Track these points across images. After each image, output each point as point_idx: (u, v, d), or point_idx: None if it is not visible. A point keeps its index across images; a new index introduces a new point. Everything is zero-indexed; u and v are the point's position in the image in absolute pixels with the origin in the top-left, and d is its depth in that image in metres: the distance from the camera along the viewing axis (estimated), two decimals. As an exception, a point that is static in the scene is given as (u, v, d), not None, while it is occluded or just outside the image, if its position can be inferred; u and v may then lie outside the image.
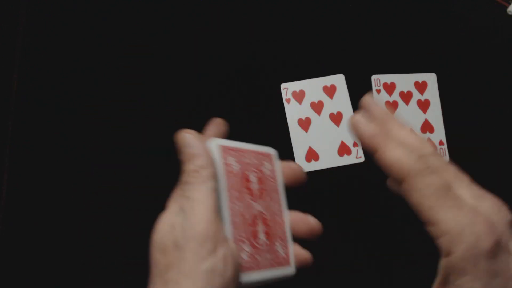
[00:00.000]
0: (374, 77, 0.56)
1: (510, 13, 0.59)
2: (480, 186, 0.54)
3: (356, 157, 0.54)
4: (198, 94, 0.57)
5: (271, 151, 0.42)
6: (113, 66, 0.58)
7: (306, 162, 0.54)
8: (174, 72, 0.58)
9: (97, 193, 0.54)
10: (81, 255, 0.53)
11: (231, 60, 0.58)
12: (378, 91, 0.56)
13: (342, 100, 0.56)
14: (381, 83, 0.56)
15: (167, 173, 0.55)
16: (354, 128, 0.35)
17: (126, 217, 0.54)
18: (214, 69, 0.58)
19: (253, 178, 0.39)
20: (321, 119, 0.56)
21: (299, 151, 0.55)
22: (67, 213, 0.54)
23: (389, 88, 0.56)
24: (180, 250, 0.32)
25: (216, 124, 0.41)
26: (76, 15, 0.59)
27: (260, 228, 0.38)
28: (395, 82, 0.56)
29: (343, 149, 0.54)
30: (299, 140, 0.55)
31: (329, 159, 0.54)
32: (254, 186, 0.39)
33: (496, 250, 0.29)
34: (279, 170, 0.41)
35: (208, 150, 0.36)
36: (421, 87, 0.56)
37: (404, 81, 0.56)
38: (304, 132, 0.55)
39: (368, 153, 0.36)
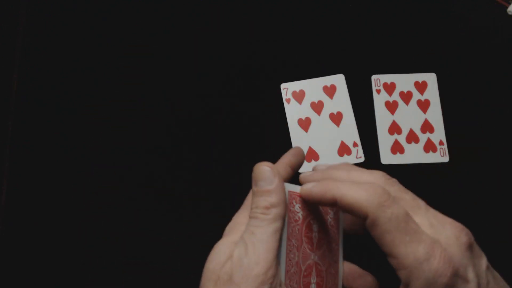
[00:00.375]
0: (374, 77, 0.56)
1: (510, 13, 0.59)
2: (480, 186, 0.54)
3: (356, 157, 0.54)
4: (198, 94, 0.57)
5: None
6: (113, 66, 0.58)
7: (306, 162, 0.54)
8: (174, 72, 0.58)
9: (97, 193, 0.54)
10: (81, 255, 0.53)
11: (231, 60, 0.58)
12: (378, 91, 0.56)
13: (342, 100, 0.56)
14: (381, 83, 0.56)
15: (167, 173, 0.55)
16: (308, 197, 0.35)
17: (126, 217, 0.53)
18: (214, 69, 0.58)
19: (315, 227, 0.38)
20: (321, 119, 0.56)
21: (299, 151, 0.55)
22: (67, 213, 0.54)
23: (389, 88, 0.56)
24: (233, 287, 0.32)
25: (296, 154, 0.40)
26: (76, 15, 0.59)
27: (313, 279, 0.37)
28: (395, 82, 0.56)
29: (343, 149, 0.54)
30: (299, 140, 0.55)
31: (329, 159, 0.54)
32: (315, 235, 0.38)
33: (453, 282, 0.30)
34: (342, 218, 0.40)
35: (283, 187, 0.35)
36: (421, 87, 0.56)
37: (404, 81, 0.56)
38: (304, 132, 0.55)
39: (330, 206, 0.35)
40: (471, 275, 0.31)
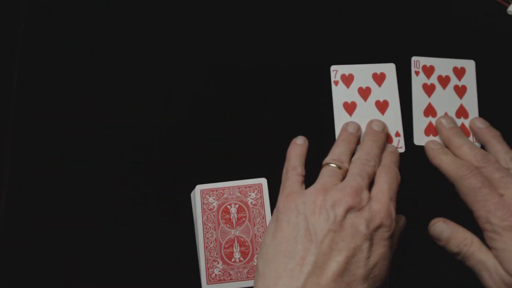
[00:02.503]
0: (414, 59, 0.57)
1: (510, 13, 0.59)
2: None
3: (397, 146, 0.55)
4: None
5: (261, 181, 0.51)
6: (113, 66, 0.57)
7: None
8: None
9: (98, 193, 0.53)
10: (81, 255, 0.52)
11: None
12: (417, 72, 0.57)
13: (390, 89, 0.56)
14: (420, 65, 0.57)
15: (167, 174, 0.55)
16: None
17: (126, 217, 0.53)
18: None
19: (233, 209, 0.50)
20: (366, 105, 0.55)
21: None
22: (68, 213, 0.53)
23: (428, 71, 0.57)
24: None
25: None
26: (76, 15, 0.58)
27: (236, 249, 0.49)
28: (434, 65, 0.57)
29: None
30: (342, 123, 0.55)
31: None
32: (233, 216, 0.50)
33: None
34: (267, 196, 0.51)
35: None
36: (459, 73, 0.57)
37: (443, 65, 0.57)
38: (348, 116, 0.55)
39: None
40: None
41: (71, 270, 0.52)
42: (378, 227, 0.42)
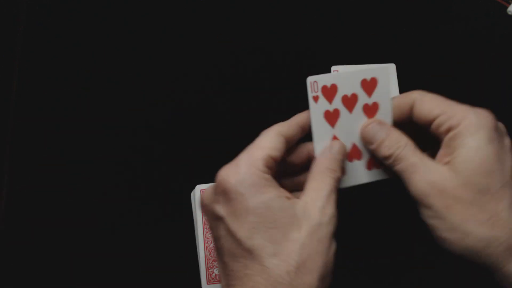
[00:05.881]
0: (310, 80, 0.41)
1: (510, 13, 0.59)
2: None
3: None
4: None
5: None
6: (113, 66, 0.57)
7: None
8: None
9: (98, 193, 0.54)
10: (81, 256, 0.52)
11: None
12: (316, 98, 0.41)
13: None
14: (319, 87, 0.41)
15: (167, 174, 0.55)
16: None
17: (126, 217, 0.53)
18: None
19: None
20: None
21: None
22: (68, 212, 0.53)
23: (329, 92, 0.41)
24: None
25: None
26: (76, 15, 0.59)
27: None
28: (336, 84, 0.41)
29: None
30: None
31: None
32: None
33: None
34: None
35: None
36: (369, 86, 0.42)
37: (349, 80, 0.42)
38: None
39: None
40: None
41: (71, 270, 0.52)
42: None
